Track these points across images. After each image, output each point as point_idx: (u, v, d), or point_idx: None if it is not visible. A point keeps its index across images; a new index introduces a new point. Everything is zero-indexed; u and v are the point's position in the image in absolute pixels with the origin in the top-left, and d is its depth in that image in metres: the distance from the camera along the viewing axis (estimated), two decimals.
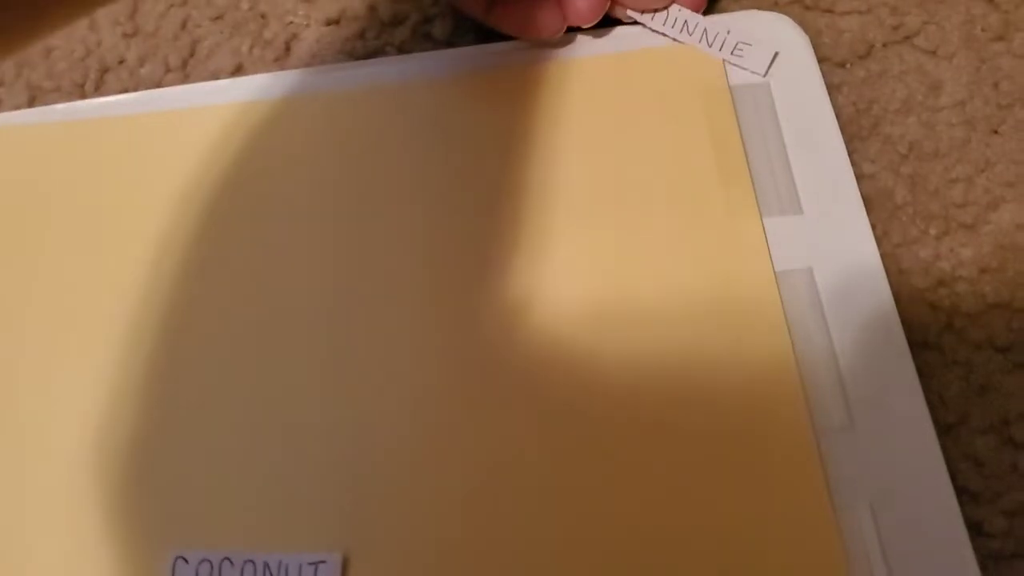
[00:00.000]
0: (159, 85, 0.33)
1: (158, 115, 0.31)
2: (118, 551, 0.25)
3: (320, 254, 0.28)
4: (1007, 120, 0.29)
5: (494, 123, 0.30)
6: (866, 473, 0.24)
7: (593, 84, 0.30)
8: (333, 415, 0.26)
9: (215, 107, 0.31)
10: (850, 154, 0.28)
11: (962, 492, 0.24)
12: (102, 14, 0.34)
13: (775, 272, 0.26)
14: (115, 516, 0.25)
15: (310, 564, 0.24)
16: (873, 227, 0.27)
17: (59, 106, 0.32)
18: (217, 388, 0.27)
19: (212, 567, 0.24)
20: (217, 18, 0.34)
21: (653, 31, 0.30)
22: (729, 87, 0.29)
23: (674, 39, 0.30)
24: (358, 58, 0.32)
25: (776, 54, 0.30)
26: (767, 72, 0.29)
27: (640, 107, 0.30)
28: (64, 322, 0.28)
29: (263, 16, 0.34)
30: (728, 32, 0.30)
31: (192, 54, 0.33)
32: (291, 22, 0.33)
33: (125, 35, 0.34)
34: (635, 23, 0.30)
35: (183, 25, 0.34)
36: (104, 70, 0.33)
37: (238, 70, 0.33)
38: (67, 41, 0.34)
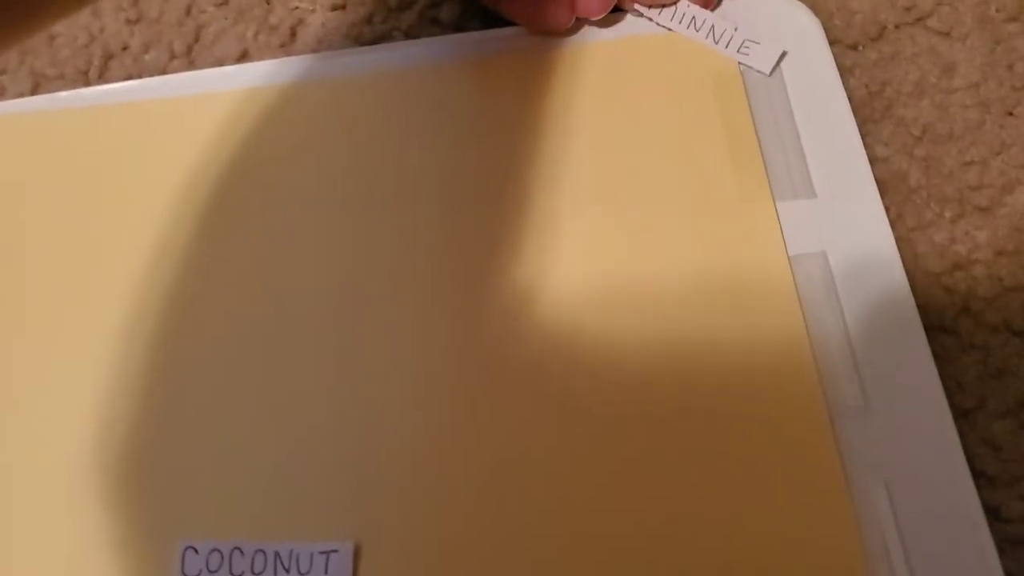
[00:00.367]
0: (163, 72, 0.32)
1: (162, 102, 0.31)
2: (129, 541, 0.25)
3: (327, 242, 0.28)
4: (1022, 102, 0.29)
5: (503, 108, 0.30)
6: (882, 457, 0.24)
7: (603, 69, 0.30)
8: (343, 404, 0.26)
9: (220, 94, 0.31)
10: (863, 137, 0.28)
11: (979, 476, 0.24)
12: (105, 1, 0.34)
13: (789, 256, 0.26)
14: (126, 507, 0.25)
15: (322, 553, 0.24)
16: (887, 210, 0.27)
17: (63, 93, 0.31)
18: (226, 379, 0.27)
19: (222, 557, 0.24)
20: (222, 4, 0.33)
21: (660, 27, 0.30)
22: (741, 71, 0.29)
23: (682, 35, 0.30)
24: (364, 43, 0.32)
25: (784, 53, 0.29)
26: (772, 71, 0.29)
27: (651, 92, 0.29)
28: (70, 311, 0.28)
29: (268, 2, 0.33)
30: (736, 29, 0.29)
31: (197, 40, 0.33)
32: (296, 7, 0.33)
33: (129, 21, 0.33)
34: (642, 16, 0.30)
35: (187, 11, 0.33)
36: (108, 57, 0.33)
37: (243, 56, 0.32)
38: (70, 28, 0.33)
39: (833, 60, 0.29)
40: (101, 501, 0.25)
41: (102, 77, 0.33)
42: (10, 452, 0.26)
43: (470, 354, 0.26)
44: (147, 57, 0.33)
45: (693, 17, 0.30)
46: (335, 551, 0.24)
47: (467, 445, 0.25)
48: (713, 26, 0.30)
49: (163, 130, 0.30)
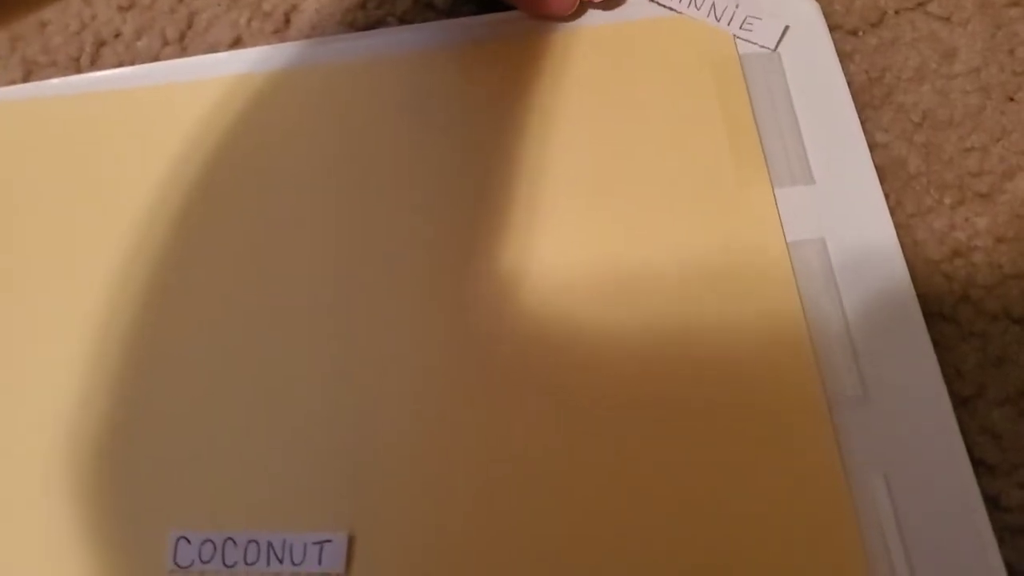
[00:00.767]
0: (156, 58, 0.32)
1: (155, 89, 0.31)
2: (122, 532, 0.25)
3: (320, 228, 0.28)
4: (1023, 87, 0.28)
5: (498, 94, 0.29)
6: (881, 445, 0.24)
7: (599, 54, 0.30)
8: (337, 394, 0.26)
9: (212, 80, 0.30)
10: (863, 123, 0.28)
11: (979, 464, 0.24)
12: None
13: (787, 243, 0.26)
14: (119, 497, 0.25)
15: (315, 543, 0.24)
16: (886, 197, 0.27)
17: (54, 81, 0.31)
18: (219, 368, 0.26)
19: (215, 547, 0.24)
20: None
21: (661, 6, 0.30)
22: (739, 56, 0.29)
23: (682, 13, 0.30)
24: (359, 29, 0.32)
25: (787, 28, 0.29)
26: (777, 46, 0.29)
27: (648, 77, 0.29)
28: (64, 297, 0.28)
29: None
30: (737, 6, 0.29)
31: (190, 27, 0.32)
32: None
33: (121, 8, 0.33)
34: None
35: None
36: (100, 44, 0.33)
37: (237, 43, 0.32)
38: (62, 15, 0.33)
39: (833, 46, 0.29)
40: (94, 492, 0.25)
41: (94, 64, 0.32)
42: (2, 440, 0.26)
43: (466, 343, 0.26)
44: (139, 44, 0.32)
45: None
46: (329, 541, 0.24)
47: (462, 435, 0.25)
48: (714, 4, 0.29)
49: (155, 117, 0.30)
